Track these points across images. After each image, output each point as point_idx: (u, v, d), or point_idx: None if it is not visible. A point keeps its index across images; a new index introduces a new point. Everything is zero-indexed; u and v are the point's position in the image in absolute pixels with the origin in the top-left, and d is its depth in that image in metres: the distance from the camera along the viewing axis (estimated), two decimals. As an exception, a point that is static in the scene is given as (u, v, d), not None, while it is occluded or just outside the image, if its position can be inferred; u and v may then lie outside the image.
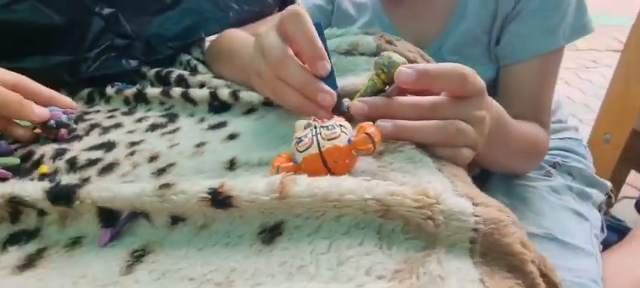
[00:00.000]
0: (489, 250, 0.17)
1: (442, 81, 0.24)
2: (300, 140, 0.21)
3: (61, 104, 0.37)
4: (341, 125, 0.22)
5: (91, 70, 0.49)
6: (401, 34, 0.53)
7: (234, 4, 0.58)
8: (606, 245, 0.55)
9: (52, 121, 0.35)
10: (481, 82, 0.26)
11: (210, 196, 0.20)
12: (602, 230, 0.49)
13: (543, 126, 0.47)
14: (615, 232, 0.66)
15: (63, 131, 0.36)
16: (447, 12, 0.50)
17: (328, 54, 0.26)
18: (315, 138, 0.21)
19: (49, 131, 0.36)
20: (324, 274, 0.16)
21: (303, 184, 0.19)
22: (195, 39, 0.57)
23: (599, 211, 0.51)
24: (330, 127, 0.21)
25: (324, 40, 0.27)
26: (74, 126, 0.38)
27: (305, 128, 0.23)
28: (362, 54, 0.40)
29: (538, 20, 0.45)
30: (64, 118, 0.36)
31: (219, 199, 0.20)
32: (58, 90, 0.53)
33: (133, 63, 0.52)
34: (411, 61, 0.39)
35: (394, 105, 0.25)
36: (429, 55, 0.50)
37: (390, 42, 0.41)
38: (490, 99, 0.29)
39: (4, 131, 0.35)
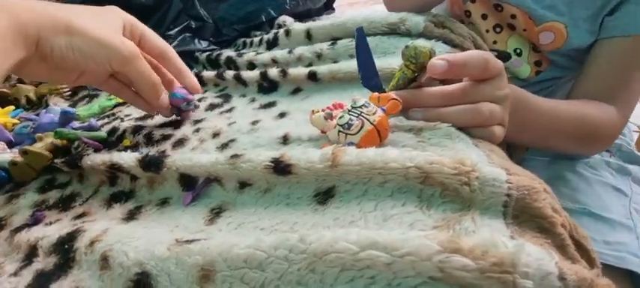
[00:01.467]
0: (521, 213, 0.19)
1: (469, 68, 0.26)
2: (349, 125, 0.24)
3: (186, 82, 0.37)
4: (366, 101, 0.25)
5: (173, 47, 0.56)
6: None
7: (290, -10, 0.61)
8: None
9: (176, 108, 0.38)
10: (500, 64, 0.27)
11: (273, 165, 0.24)
12: None
13: (621, 108, 0.45)
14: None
15: (184, 113, 0.39)
16: None
17: (372, 56, 0.29)
18: (363, 118, 0.24)
19: (178, 110, 0.39)
20: (372, 227, 0.19)
21: (353, 154, 0.22)
22: (256, 22, 0.61)
23: None
24: (366, 105, 0.25)
25: (366, 44, 0.29)
26: (193, 106, 0.40)
27: (332, 118, 0.26)
28: (408, 31, 0.41)
29: None
30: (183, 105, 0.38)
31: (280, 167, 0.23)
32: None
33: (204, 43, 0.58)
34: (456, 46, 0.40)
35: (425, 96, 0.27)
36: (534, 4, 0.47)
37: (441, 24, 0.42)
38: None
39: (130, 101, 0.38)
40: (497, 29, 0.52)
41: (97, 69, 0.31)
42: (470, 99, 0.27)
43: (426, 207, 0.20)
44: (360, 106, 0.25)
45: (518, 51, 0.52)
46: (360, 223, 0.20)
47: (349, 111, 0.25)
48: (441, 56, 0.27)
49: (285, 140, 0.30)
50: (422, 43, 0.28)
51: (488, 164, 0.21)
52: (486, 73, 0.27)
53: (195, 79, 0.38)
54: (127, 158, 0.29)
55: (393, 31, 0.41)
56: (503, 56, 0.53)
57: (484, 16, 0.52)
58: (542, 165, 0.50)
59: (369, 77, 0.29)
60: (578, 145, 0.46)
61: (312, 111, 0.28)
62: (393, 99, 0.26)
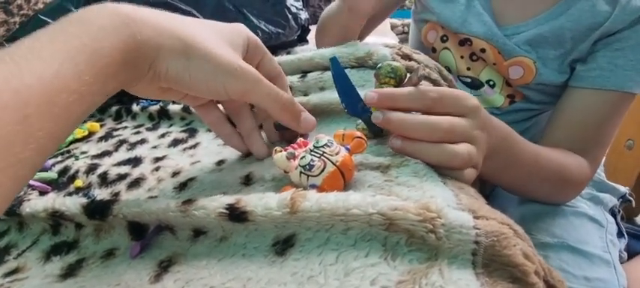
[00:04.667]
0: (491, 261, 0.18)
1: (445, 103, 0.26)
2: (310, 166, 0.23)
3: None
4: (329, 140, 0.24)
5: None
6: (495, 5, 0.49)
7: (263, 26, 0.61)
8: (632, 254, 0.53)
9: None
10: (475, 100, 0.27)
11: (227, 212, 0.22)
12: (622, 236, 0.48)
13: (591, 161, 0.45)
14: (640, 241, 0.63)
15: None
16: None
17: (350, 82, 0.28)
18: (325, 159, 0.23)
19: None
20: (332, 284, 0.17)
21: (313, 200, 0.20)
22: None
23: (615, 216, 0.50)
24: (328, 145, 0.23)
25: (342, 71, 0.28)
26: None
27: (294, 158, 0.24)
28: (375, 64, 0.41)
29: (638, 56, 0.42)
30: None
31: (235, 214, 0.21)
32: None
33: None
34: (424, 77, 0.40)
35: (407, 122, 0.25)
36: (505, 35, 0.48)
37: (407, 57, 0.42)
38: (488, 116, 0.30)
39: (225, 139, 0.32)
40: (474, 57, 0.52)
41: (210, 95, 0.27)
42: (450, 135, 0.25)
43: (391, 257, 0.18)
44: (323, 146, 0.23)
45: (491, 82, 0.52)
46: (320, 279, 0.18)
47: (311, 151, 0.24)
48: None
49: (248, 180, 0.28)
50: (392, 62, 0.28)
51: (455, 207, 0.20)
52: (462, 110, 0.26)
53: (309, 120, 0.30)
54: (71, 204, 0.27)
55: (360, 65, 0.41)
56: (476, 84, 0.53)
57: (462, 43, 0.52)
58: (518, 198, 0.50)
59: (353, 104, 0.28)
60: (554, 191, 0.45)
61: (275, 150, 0.26)
62: (358, 137, 0.25)
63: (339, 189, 0.22)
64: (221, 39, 0.26)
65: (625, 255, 0.48)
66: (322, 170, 0.22)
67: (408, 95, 0.26)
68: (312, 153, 0.23)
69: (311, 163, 0.23)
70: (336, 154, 0.23)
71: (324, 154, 0.23)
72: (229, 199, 0.22)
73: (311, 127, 0.30)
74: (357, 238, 0.19)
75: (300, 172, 0.23)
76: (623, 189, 0.52)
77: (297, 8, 0.68)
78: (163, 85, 0.26)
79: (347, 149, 0.24)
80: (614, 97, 0.44)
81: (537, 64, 0.47)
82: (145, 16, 0.23)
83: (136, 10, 0.23)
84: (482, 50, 0.50)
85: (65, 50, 0.19)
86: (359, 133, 0.25)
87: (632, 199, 0.53)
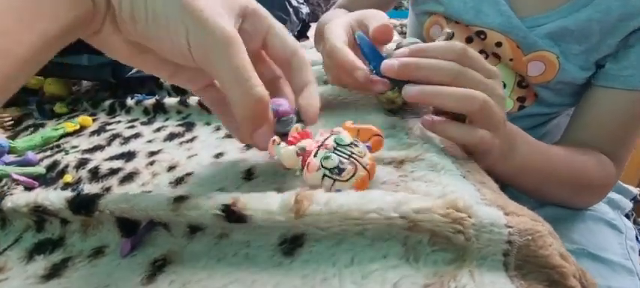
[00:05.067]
0: (526, 262, 0.16)
1: (470, 56, 0.26)
2: (340, 170, 0.20)
3: (303, 102, 0.24)
4: (354, 140, 0.22)
5: (132, 73, 0.51)
6: None
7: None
8: None
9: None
10: (495, 68, 0.27)
11: (223, 214, 0.19)
12: (637, 240, 0.46)
13: (616, 162, 0.42)
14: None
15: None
16: None
17: (379, 52, 0.29)
18: (355, 162, 0.20)
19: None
20: (349, 288, 0.15)
21: (322, 202, 0.18)
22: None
23: (628, 218, 0.48)
24: (356, 144, 0.21)
25: (368, 41, 0.29)
26: (290, 124, 0.24)
27: (305, 155, 0.21)
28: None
29: None
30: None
31: (233, 218, 0.19)
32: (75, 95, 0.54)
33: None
34: None
35: (424, 63, 0.26)
36: (525, 28, 0.43)
37: None
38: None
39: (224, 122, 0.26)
40: (483, 55, 0.49)
41: (171, 53, 0.20)
42: (464, 78, 0.26)
43: (413, 258, 0.16)
44: (348, 145, 0.20)
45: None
46: (334, 282, 0.16)
47: (336, 150, 0.20)
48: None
49: (250, 175, 0.26)
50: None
51: (481, 202, 0.18)
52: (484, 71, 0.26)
53: (316, 105, 0.24)
54: (55, 199, 0.24)
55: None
56: None
57: (469, 40, 0.48)
58: (536, 201, 0.48)
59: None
60: (572, 194, 0.42)
61: (273, 140, 0.22)
62: (376, 135, 0.22)
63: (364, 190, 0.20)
64: None
65: (640, 258, 0.47)
66: (353, 175, 0.19)
67: (438, 46, 0.26)
68: (339, 153, 0.20)
69: (340, 166, 0.20)
70: (364, 155, 0.20)
71: (353, 155, 0.20)
72: (226, 199, 0.19)
73: (261, 145, 0.23)
74: (374, 237, 0.17)
75: (324, 175, 0.20)
76: (635, 190, 0.50)
77: (298, 2, 0.66)
78: (131, 38, 0.21)
79: (368, 148, 0.21)
80: None
81: (560, 59, 0.43)
82: None
83: None
84: (498, 44, 0.45)
85: None
86: (377, 130, 0.23)
87: None
